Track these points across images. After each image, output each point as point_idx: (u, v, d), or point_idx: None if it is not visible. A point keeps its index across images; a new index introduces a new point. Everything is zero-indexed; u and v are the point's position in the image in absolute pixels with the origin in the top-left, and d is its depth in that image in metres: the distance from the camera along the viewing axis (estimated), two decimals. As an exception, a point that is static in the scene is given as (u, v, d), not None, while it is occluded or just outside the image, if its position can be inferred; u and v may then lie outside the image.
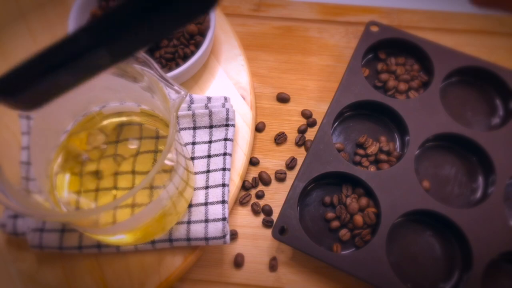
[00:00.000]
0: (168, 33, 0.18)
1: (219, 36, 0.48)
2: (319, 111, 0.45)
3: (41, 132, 0.31)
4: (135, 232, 0.32)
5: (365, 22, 0.47)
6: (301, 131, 0.44)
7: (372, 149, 0.41)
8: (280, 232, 0.36)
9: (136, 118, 0.36)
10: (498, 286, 0.36)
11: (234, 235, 0.39)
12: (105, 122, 0.36)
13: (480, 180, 0.41)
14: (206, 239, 0.35)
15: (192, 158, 0.39)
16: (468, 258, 0.36)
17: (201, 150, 0.39)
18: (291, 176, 0.42)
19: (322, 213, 0.39)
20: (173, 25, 0.17)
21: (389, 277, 0.34)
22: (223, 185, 0.37)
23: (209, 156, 0.39)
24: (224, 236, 0.35)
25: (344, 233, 0.38)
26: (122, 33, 0.17)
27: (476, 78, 0.46)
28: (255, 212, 0.40)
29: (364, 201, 0.38)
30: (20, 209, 0.24)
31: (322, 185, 0.40)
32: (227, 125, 0.40)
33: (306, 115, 0.45)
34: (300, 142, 0.44)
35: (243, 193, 0.41)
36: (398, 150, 0.42)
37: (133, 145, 0.35)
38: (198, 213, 0.36)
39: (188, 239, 0.35)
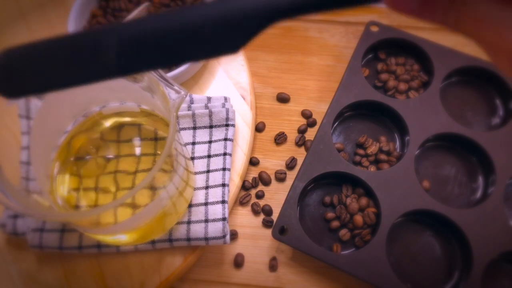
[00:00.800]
0: (184, 62, 0.18)
1: (219, 36, 0.48)
2: (319, 111, 0.45)
3: (41, 132, 0.31)
4: (135, 232, 0.32)
5: (365, 22, 0.47)
6: (301, 131, 0.44)
7: (372, 149, 0.41)
8: (280, 232, 0.36)
9: (136, 118, 0.36)
10: (498, 286, 0.36)
11: (234, 235, 0.39)
12: (105, 123, 0.36)
13: (480, 180, 0.41)
14: (206, 239, 0.35)
15: (192, 158, 0.39)
16: (468, 258, 0.35)
17: (201, 150, 0.39)
18: (291, 176, 0.42)
19: (322, 213, 0.39)
20: (193, 57, 0.17)
21: (389, 277, 0.34)
22: (223, 185, 0.37)
23: (209, 156, 0.39)
24: (224, 236, 0.35)
25: (344, 233, 0.37)
26: (143, 49, 0.17)
27: (476, 78, 0.46)
28: (255, 212, 0.40)
29: (364, 201, 0.38)
30: (20, 209, 0.24)
31: (322, 185, 0.40)
32: (227, 125, 0.40)
33: (306, 115, 0.45)
34: (300, 142, 0.44)
35: (243, 193, 0.41)
36: (398, 150, 0.42)
37: (133, 146, 0.35)
38: (198, 213, 0.36)
39: (188, 239, 0.35)
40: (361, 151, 0.41)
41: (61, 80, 0.18)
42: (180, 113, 0.40)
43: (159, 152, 0.35)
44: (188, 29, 0.16)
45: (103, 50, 0.17)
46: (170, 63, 0.17)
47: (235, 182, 0.40)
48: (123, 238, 0.33)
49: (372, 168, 0.40)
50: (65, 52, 0.18)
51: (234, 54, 0.17)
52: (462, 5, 0.14)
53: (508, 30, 0.14)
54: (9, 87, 0.19)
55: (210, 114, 0.40)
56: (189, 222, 0.36)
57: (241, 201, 0.40)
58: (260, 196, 0.41)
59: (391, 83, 0.45)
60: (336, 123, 0.43)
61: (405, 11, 0.15)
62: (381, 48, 0.47)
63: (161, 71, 0.28)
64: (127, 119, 0.36)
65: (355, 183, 0.39)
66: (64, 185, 0.33)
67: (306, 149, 0.43)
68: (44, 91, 0.19)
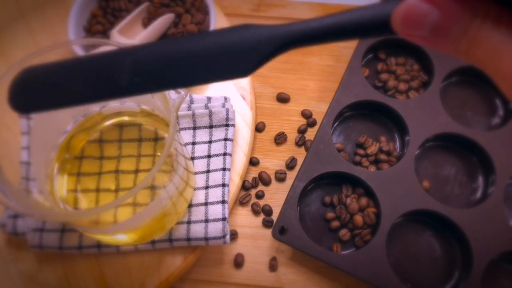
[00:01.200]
0: (194, 85, 0.18)
1: (219, 36, 0.48)
2: (319, 111, 0.45)
3: (41, 132, 0.31)
4: (135, 232, 0.32)
5: (365, 22, 0.47)
6: (301, 131, 0.44)
7: (372, 149, 0.41)
8: (280, 232, 0.36)
9: (136, 118, 0.36)
10: (498, 286, 0.36)
11: (234, 235, 0.39)
12: (105, 123, 0.36)
13: (480, 180, 0.41)
14: (206, 239, 0.35)
15: (192, 158, 0.39)
16: (468, 258, 0.36)
17: (201, 150, 0.39)
18: (291, 176, 0.42)
19: (322, 213, 0.39)
20: (203, 80, 0.18)
21: (389, 277, 0.34)
22: (223, 185, 0.37)
23: (209, 156, 0.39)
24: (224, 236, 0.35)
25: (344, 233, 0.37)
26: (158, 71, 0.17)
27: (476, 78, 0.46)
28: (255, 212, 0.40)
29: (364, 201, 0.38)
30: (20, 209, 0.24)
31: (322, 185, 0.40)
32: (227, 125, 0.40)
33: (306, 115, 0.45)
34: (300, 142, 0.44)
35: (243, 193, 0.41)
36: (398, 150, 0.42)
37: (133, 146, 0.35)
38: (198, 213, 0.36)
39: (188, 239, 0.35)
40: (361, 151, 0.41)
41: (75, 97, 0.19)
42: (180, 113, 0.40)
43: (159, 153, 0.35)
44: (201, 53, 0.17)
45: (117, 69, 0.17)
46: (181, 85, 0.18)
47: (235, 182, 0.40)
48: (123, 238, 0.33)
49: (372, 168, 0.40)
50: (80, 71, 0.18)
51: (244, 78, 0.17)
52: (476, 34, 0.14)
53: None
54: (25, 103, 0.19)
55: (210, 114, 0.40)
56: (189, 222, 0.36)
57: (241, 201, 0.40)
58: (260, 196, 0.41)
59: (391, 83, 0.45)
60: (336, 123, 0.43)
61: (417, 39, 0.15)
62: (381, 48, 0.47)
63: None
64: (127, 119, 0.36)
65: (355, 183, 0.39)
66: (64, 185, 0.33)
67: (306, 149, 0.43)
68: (58, 107, 0.19)
